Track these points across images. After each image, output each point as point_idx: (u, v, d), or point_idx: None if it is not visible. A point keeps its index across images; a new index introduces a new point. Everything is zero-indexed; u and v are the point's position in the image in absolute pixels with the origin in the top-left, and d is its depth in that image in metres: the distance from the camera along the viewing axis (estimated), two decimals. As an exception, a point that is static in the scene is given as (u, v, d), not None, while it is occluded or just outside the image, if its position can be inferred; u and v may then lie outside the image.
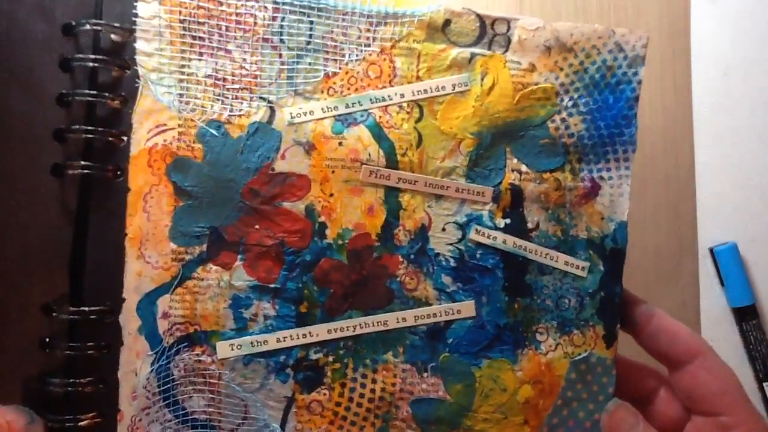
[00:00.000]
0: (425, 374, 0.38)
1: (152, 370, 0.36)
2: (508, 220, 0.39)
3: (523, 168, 0.39)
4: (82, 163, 0.34)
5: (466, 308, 0.39)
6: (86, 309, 0.34)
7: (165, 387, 0.36)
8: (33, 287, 0.35)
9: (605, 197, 0.40)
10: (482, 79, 0.38)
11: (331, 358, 0.37)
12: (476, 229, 0.39)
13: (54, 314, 0.34)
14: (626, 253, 0.40)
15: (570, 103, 0.39)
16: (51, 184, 0.35)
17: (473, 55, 0.38)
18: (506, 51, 0.38)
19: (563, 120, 0.39)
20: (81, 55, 0.34)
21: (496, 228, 0.39)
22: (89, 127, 0.34)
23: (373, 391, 0.38)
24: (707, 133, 0.36)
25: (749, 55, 0.37)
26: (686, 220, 0.36)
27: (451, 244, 0.39)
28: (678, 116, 0.36)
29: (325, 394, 0.37)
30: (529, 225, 0.39)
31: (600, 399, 0.40)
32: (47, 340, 0.35)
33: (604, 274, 0.40)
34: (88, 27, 0.34)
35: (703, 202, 0.36)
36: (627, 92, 0.39)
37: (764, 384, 0.36)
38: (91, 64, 0.34)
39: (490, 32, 0.38)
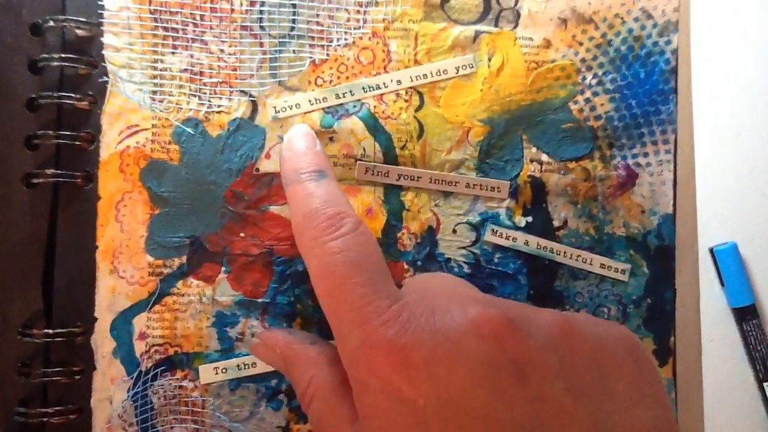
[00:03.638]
0: (439, 399, 0.33)
1: (128, 398, 0.32)
2: (529, 218, 0.34)
3: (544, 157, 0.34)
4: (51, 171, 0.32)
5: (485, 321, 0.33)
6: (51, 331, 0.31)
7: (143, 416, 0.32)
8: (10, 306, 0.32)
9: (644, 187, 0.34)
10: (490, 60, 0.34)
11: (329, 382, 0.33)
12: (492, 230, 0.34)
13: (22, 337, 0.31)
14: (675, 250, 0.34)
15: (594, 81, 0.34)
16: (23, 195, 0.32)
17: (478, 33, 0.34)
18: (516, 26, 0.34)
19: (587, 100, 0.34)
20: (46, 55, 0.32)
21: (516, 227, 0.34)
22: (57, 132, 0.32)
23: (379, 419, 0.33)
24: (707, 133, 0.35)
25: (749, 55, 0.36)
26: (686, 220, 0.35)
27: (463, 247, 0.34)
28: (678, 116, 0.35)
29: (324, 424, 0.33)
30: (555, 223, 0.34)
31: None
32: (19, 364, 0.32)
33: (650, 277, 0.34)
34: (52, 23, 0.31)
35: (703, 202, 0.35)
36: (660, 64, 0.34)
37: (764, 384, 0.35)
38: (56, 63, 0.31)
39: (495, 6, 0.34)
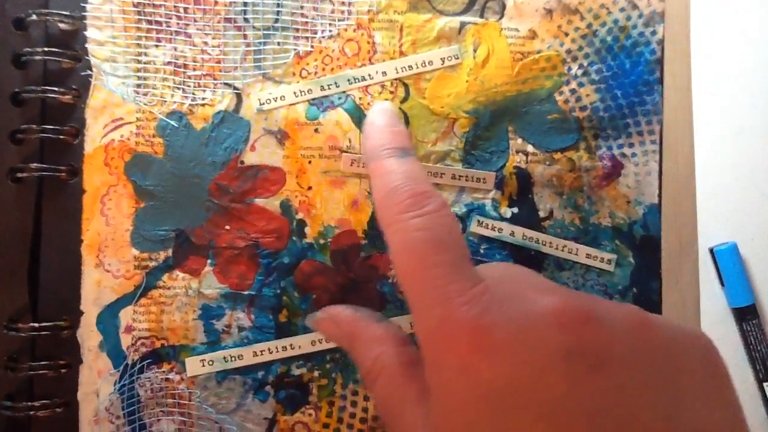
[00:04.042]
0: (426, 389, 0.33)
1: (115, 391, 0.32)
2: (515, 209, 0.34)
3: (530, 148, 0.34)
4: (35, 165, 0.32)
5: (471, 312, 0.33)
6: (37, 325, 0.31)
7: (130, 409, 0.32)
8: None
9: (629, 177, 0.34)
10: (475, 51, 0.34)
11: (316, 374, 0.33)
12: (478, 221, 0.34)
13: (8, 331, 0.31)
14: (661, 240, 0.34)
15: (580, 72, 0.34)
16: (8, 189, 0.32)
17: (463, 24, 0.34)
18: (501, 17, 0.34)
19: (573, 91, 0.34)
20: (29, 49, 0.31)
21: (502, 218, 0.34)
22: (42, 126, 0.32)
23: (365, 410, 0.33)
24: (707, 133, 0.35)
25: (749, 54, 0.36)
26: (686, 220, 0.35)
27: (449, 238, 0.34)
28: (678, 117, 0.35)
29: (310, 415, 0.33)
30: (541, 213, 0.34)
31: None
32: (5, 358, 0.32)
33: (636, 268, 0.34)
34: (35, 17, 0.31)
35: (703, 202, 0.35)
36: (646, 55, 0.34)
37: (764, 384, 0.35)
38: (39, 57, 0.31)
39: (480, -3, 0.34)
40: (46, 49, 0.31)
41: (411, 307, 0.23)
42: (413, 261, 0.23)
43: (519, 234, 0.34)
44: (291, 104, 0.33)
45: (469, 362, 0.21)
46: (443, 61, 0.34)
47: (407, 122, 0.33)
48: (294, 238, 0.33)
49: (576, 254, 0.34)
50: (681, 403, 0.21)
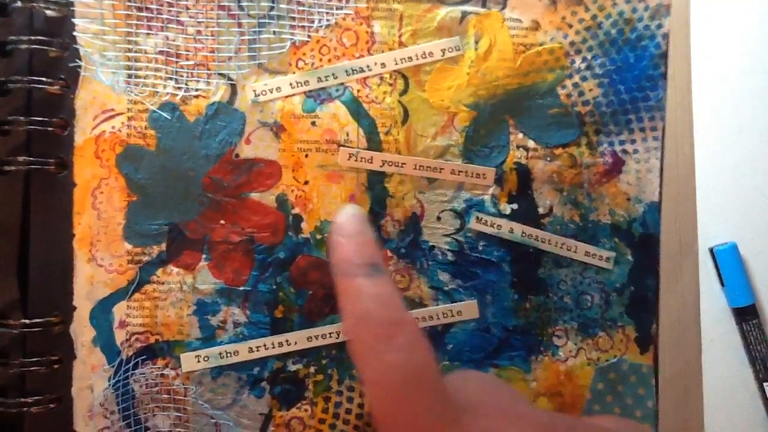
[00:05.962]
0: (421, 386, 0.33)
1: (109, 386, 0.32)
2: (514, 206, 0.34)
3: (531, 143, 0.33)
4: (23, 158, 0.31)
5: (468, 309, 0.33)
6: (27, 321, 0.31)
7: (125, 404, 0.32)
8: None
9: (630, 174, 0.34)
10: (477, 42, 0.33)
11: (312, 369, 0.33)
12: (477, 217, 0.33)
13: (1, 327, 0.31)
14: (660, 238, 0.34)
15: (583, 65, 0.33)
16: (-4, 182, 0.31)
17: (465, 14, 0.33)
18: (504, 7, 0.33)
19: (576, 85, 0.33)
20: (14, 37, 0.30)
21: (501, 215, 0.33)
22: (29, 118, 0.31)
23: (361, 405, 0.33)
24: (707, 132, 0.35)
25: (750, 55, 0.36)
26: (686, 220, 0.35)
27: (448, 235, 0.33)
28: (678, 116, 0.35)
29: (306, 410, 0.33)
30: (541, 210, 0.34)
31: (637, 414, 0.34)
32: (-4, 353, 0.31)
33: (634, 265, 0.34)
34: (19, 3, 0.30)
35: (703, 202, 0.35)
36: (650, 49, 0.33)
37: (764, 384, 0.35)
38: (25, 46, 0.30)
39: (483, -14, 0.33)
40: (32, 37, 0.30)
41: None
42: (387, 400, 0.23)
43: (518, 231, 0.33)
44: (287, 96, 0.32)
45: None
46: (444, 53, 0.33)
47: (406, 116, 0.33)
48: (290, 233, 0.32)
49: (575, 252, 0.34)
50: None
